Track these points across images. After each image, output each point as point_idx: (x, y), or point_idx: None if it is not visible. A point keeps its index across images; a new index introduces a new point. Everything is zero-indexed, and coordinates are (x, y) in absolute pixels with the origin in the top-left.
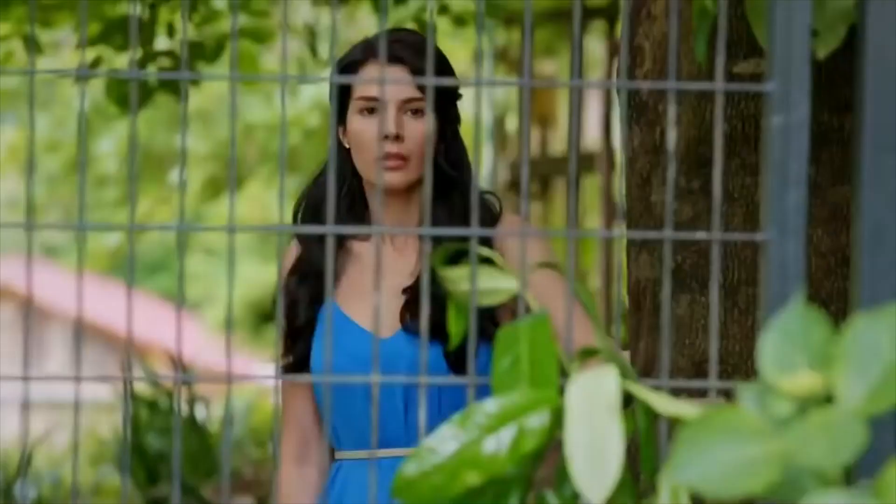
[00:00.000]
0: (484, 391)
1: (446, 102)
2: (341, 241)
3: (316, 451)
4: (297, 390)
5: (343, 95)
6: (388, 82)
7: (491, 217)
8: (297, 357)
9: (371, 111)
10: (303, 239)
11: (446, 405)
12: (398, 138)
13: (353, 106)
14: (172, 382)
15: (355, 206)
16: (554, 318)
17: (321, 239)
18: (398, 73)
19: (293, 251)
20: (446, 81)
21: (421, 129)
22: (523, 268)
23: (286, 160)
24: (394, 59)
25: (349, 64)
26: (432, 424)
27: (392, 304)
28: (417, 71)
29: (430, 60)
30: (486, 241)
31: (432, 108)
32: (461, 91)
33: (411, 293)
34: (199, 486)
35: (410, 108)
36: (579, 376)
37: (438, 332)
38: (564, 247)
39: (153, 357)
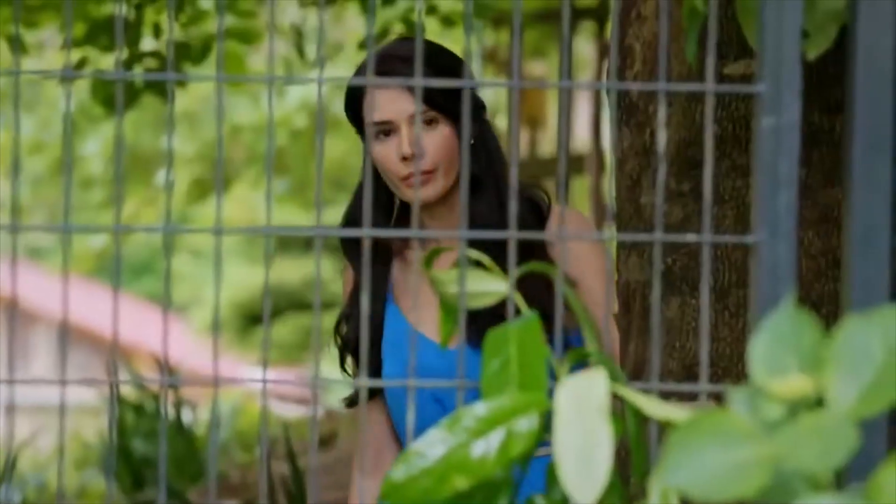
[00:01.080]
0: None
1: (454, 102)
2: (395, 251)
3: (391, 461)
4: (372, 402)
5: (361, 122)
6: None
7: (539, 214)
8: (371, 372)
9: (387, 133)
10: (351, 261)
11: None
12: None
13: (369, 133)
14: (158, 386)
15: (400, 217)
16: (588, 293)
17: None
18: (394, 90)
19: (349, 278)
20: (435, 83)
21: (436, 139)
22: (514, 270)
23: (273, 161)
24: (387, 75)
25: (355, 95)
26: None
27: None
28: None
29: (417, 63)
30: (537, 240)
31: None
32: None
33: None
34: (185, 490)
35: (421, 119)
36: (568, 379)
37: None
38: None
39: (139, 360)
